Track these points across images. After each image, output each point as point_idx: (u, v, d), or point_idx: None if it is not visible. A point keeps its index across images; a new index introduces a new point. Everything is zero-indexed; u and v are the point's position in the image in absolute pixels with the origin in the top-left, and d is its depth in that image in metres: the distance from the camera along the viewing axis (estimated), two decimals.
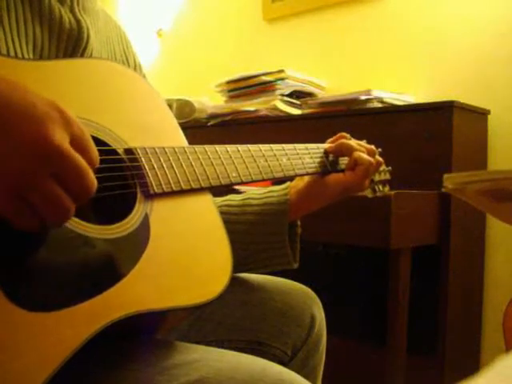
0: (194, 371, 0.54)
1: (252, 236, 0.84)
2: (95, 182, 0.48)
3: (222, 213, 0.71)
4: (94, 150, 0.49)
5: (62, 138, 0.45)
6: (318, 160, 0.86)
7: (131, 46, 0.86)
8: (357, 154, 0.86)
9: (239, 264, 0.81)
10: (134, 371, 0.55)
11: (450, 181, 0.72)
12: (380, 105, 1.70)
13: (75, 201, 0.48)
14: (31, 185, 0.44)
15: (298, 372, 0.61)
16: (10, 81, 0.46)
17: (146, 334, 0.64)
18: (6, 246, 0.47)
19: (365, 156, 0.86)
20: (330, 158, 0.88)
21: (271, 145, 0.81)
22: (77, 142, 0.47)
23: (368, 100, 1.69)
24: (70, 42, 0.68)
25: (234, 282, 0.65)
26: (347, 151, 0.87)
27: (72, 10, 0.70)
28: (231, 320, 0.83)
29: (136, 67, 0.85)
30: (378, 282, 1.64)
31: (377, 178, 0.95)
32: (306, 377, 0.73)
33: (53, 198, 0.46)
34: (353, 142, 0.89)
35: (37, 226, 0.47)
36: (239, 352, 0.61)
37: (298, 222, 0.88)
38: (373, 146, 0.91)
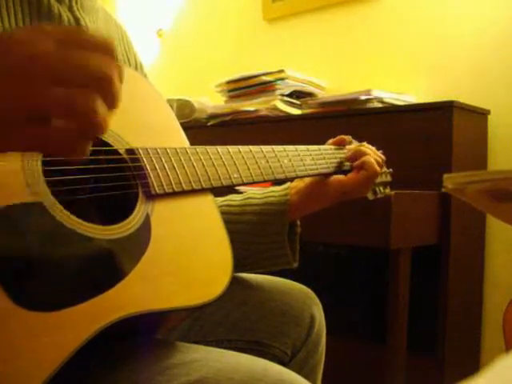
0: (193, 371, 0.54)
1: (252, 236, 0.84)
2: (108, 61, 0.42)
3: (222, 212, 0.71)
4: (90, 34, 0.43)
5: (42, 44, 0.40)
6: (320, 161, 0.86)
7: (132, 45, 0.86)
8: (367, 158, 0.86)
9: (239, 264, 0.81)
10: (134, 371, 0.55)
11: (450, 181, 0.72)
12: (380, 105, 1.70)
13: (94, 91, 0.41)
14: (35, 99, 0.39)
15: (297, 372, 0.61)
16: None
17: (146, 334, 0.64)
18: (7, 246, 0.47)
19: (374, 163, 0.86)
20: (332, 160, 0.88)
21: (273, 146, 0.81)
22: (66, 40, 0.41)
23: (368, 100, 1.69)
24: None
25: (234, 282, 0.65)
26: (360, 154, 0.88)
27: (71, 9, 0.70)
28: (231, 320, 0.83)
29: (137, 66, 0.85)
30: (378, 282, 1.64)
31: (378, 179, 0.95)
32: (306, 377, 0.73)
33: (65, 100, 0.40)
34: (368, 149, 0.89)
35: (72, 144, 0.41)
36: (239, 352, 0.61)
37: (298, 222, 0.88)
38: (381, 155, 0.91)
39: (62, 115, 0.40)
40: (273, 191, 0.87)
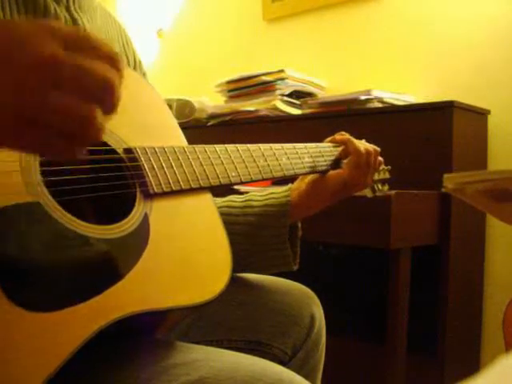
0: (193, 371, 0.54)
1: (253, 237, 0.84)
2: (111, 71, 0.42)
3: (222, 214, 0.71)
4: (99, 42, 0.43)
5: (50, 47, 0.40)
6: (318, 159, 0.86)
7: (131, 42, 0.86)
8: (349, 143, 0.87)
9: (239, 265, 0.81)
10: (134, 371, 0.54)
11: (449, 181, 0.72)
12: (380, 105, 1.70)
13: (94, 100, 0.42)
14: (34, 103, 0.40)
15: (297, 372, 0.61)
16: None
17: (145, 333, 0.64)
18: (5, 246, 0.47)
19: (354, 143, 0.87)
20: (330, 156, 0.88)
21: (271, 144, 0.81)
22: (73, 43, 0.42)
23: (368, 100, 1.69)
24: None
25: (234, 282, 0.65)
26: (344, 143, 0.89)
27: (68, 9, 0.69)
28: (231, 320, 0.83)
29: (136, 64, 0.85)
30: (378, 282, 1.64)
31: (376, 177, 0.96)
32: (306, 376, 0.73)
33: (64, 107, 0.40)
34: (351, 138, 0.90)
35: (67, 147, 0.42)
36: (239, 352, 0.61)
37: (299, 224, 0.88)
38: (372, 146, 0.91)
39: (60, 122, 0.41)
40: (274, 193, 0.86)
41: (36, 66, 0.39)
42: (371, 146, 0.90)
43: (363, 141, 0.96)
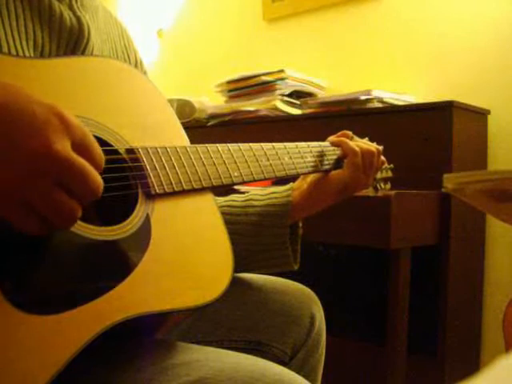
0: (194, 371, 0.54)
1: (253, 237, 0.84)
2: (101, 183, 0.48)
3: (223, 213, 0.71)
4: (98, 151, 0.49)
5: (62, 146, 0.45)
6: (320, 158, 0.86)
7: (132, 42, 0.86)
8: (344, 144, 0.87)
9: (240, 264, 0.81)
10: (134, 371, 0.55)
11: (449, 181, 0.72)
12: (380, 105, 1.70)
13: (81, 203, 0.47)
14: (34, 194, 0.44)
15: (297, 372, 0.61)
16: (7, 85, 0.45)
17: (146, 334, 0.64)
18: (6, 248, 0.47)
19: (347, 143, 0.87)
20: (333, 156, 0.88)
21: (273, 143, 0.80)
22: (79, 146, 0.47)
23: (368, 100, 1.69)
24: (70, 40, 0.68)
25: (234, 282, 0.65)
26: (339, 145, 0.89)
27: (71, 8, 0.69)
28: (231, 320, 0.83)
29: (137, 64, 0.85)
30: (378, 282, 1.64)
31: (378, 175, 0.95)
32: (306, 376, 0.73)
33: (57, 205, 0.45)
34: (347, 139, 0.89)
35: (43, 230, 0.47)
36: (239, 352, 0.61)
37: (300, 224, 0.87)
38: (374, 146, 0.91)
39: (50, 213, 0.46)
40: (275, 192, 0.86)
41: (47, 158, 0.44)
42: (373, 146, 0.90)
43: (366, 139, 0.96)
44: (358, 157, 0.85)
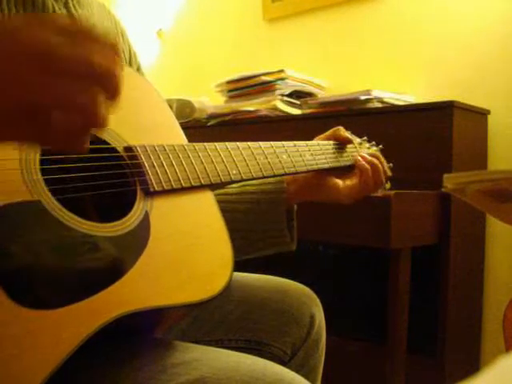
0: (193, 370, 0.54)
1: (250, 224, 0.84)
2: (109, 58, 0.41)
3: (219, 201, 0.71)
4: (93, 29, 0.41)
5: (42, 34, 0.39)
6: (319, 157, 0.86)
7: (126, 34, 0.86)
8: (360, 165, 0.87)
9: (238, 251, 0.81)
10: (134, 370, 0.54)
11: (449, 181, 0.72)
12: (380, 105, 1.70)
13: (95, 86, 0.40)
14: (30, 92, 0.39)
15: (297, 371, 0.61)
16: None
17: (145, 331, 0.64)
18: (6, 245, 0.47)
19: (365, 166, 0.87)
20: (331, 155, 0.88)
21: (271, 142, 0.81)
22: (67, 32, 0.40)
23: (368, 100, 1.69)
24: None
25: (234, 281, 0.65)
26: (365, 167, 0.88)
27: (66, 5, 0.69)
28: (231, 319, 0.83)
29: (131, 56, 0.85)
30: (378, 282, 1.64)
31: None
32: (306, 376, 0.73)
33: (63, 94, 0.39)
34: (376, 162, 0.89)
35: (70, 139, 0.41)
36: (239, 351, 0.61)
37: (295, 206, 0.88)
38: (387, 171, 0.91)
39: (63, 108, 0.39)
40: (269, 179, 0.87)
41: (27, 54, 0.38)
42: (376, 161, 0.90)
43: (364, 138, 0.96)
44: (370, 176, 0.87)
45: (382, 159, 0.93)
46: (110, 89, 0.41)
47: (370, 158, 0.89)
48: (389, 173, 1.00)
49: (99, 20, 0.78)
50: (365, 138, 0.97)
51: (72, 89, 0.39)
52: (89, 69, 0.40)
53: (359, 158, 0.89)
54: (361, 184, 0.87)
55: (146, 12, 2.77)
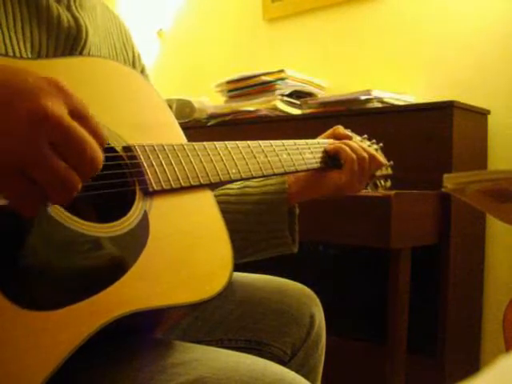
0: (193, 370, 0.54)
1: (251, 225, 0.84)
2: (101, 155, 0.46)
3: (219, 202, 0.71)
4: (95, 121, 0.47)
5: (58, 109, 0.43)
6: (319, 155, 0.86)
7: (130, 35, 0.86)
8: (346, 156, 0.86)
9: (239, 252, 0.81)
10: (133, 370, 0.54)
11: (450, 181, 0.72)
12: (380, 105, 1.70)
13: (81, 174, 0.45)
14: (33, 159, 0.43)
15: (297, 371, 0.61)
16: (4, 65, 0.44)
17: (145, 331, 0.64)
18: (4, 245, 0.47)
19: (348, 154, 0.86)
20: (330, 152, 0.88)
21: (271, 141, 0.81)
22: (77, 114, 0.45)
23: (368, 100, 1.69)
24: (68, 41, 0.68)
25: (234, 281, 0.65)
26: (340, 151, 0.88)
27: (69, 8, 0.69)
28: (231, 319, 0.83)
29: (135, 58, 0.85)
30: (378, 282, 1.64)
31: (378, 172, 0.96)
32: (306, 376, 0.73)
33: (54, 171, 0.43)
34: (347, 146, 0.88)
35: (40, 202, 0.45)
36: (239, 351, 0.61)
37: (296, 204, 0.88)
38: (368, 151, 0.90)
39: (45, 181, 0.44)
40: (270, 179, 0.86)
41: (42, 121, 0.42)
42: (366, 151, 0.89)
43: (364, 136, 0.96)
44: (355, 164, 0.86)
45: (381, 157, 0.93)
46: (86, 179, 0.47)
47: (347, 144, 0.88)
48: (389, 171, 1.00)
49: (103, 23, 0.78)
50: (365, 136, 0.97)
51: (66, 167, 0.44)
52: (86, 157, 0.45)
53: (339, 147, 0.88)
54: (352, 170, 0.86)
55: (146, 12, 2.77)
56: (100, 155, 0.46)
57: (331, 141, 0.91)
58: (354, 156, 0.86)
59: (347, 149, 0.87)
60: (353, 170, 0.85)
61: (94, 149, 0.45)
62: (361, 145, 0.90)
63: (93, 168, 0.46)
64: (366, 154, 0.88)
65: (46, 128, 0.42)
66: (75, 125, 0.44)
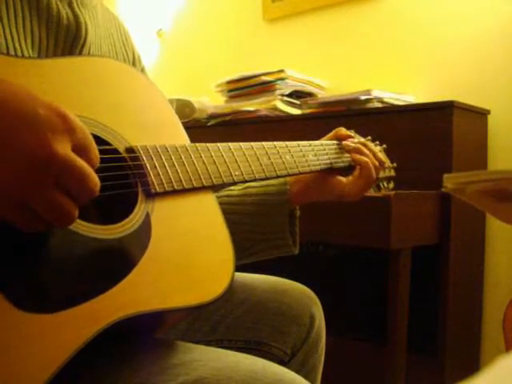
0: (192, 371, 0.53)
1: (252, 226, 0.84)
2: (98, 182, 0.49)
3: (221, 203, 0.71)
4: (96, 151, 0.50)
5: (63, 147, 0.45)
6: (322, 157, 0.86)
7: (130, 37, 0.86)
8: (365, 163, 0.86)
9: (240, 253, 0.81)
10: (133, 370, 0.54)
11: (450, 181, 0.72)
12: (380, 105, 1.70)
13: (79, 203, 0.48)
14: (33, 195, 0.45)
15: (297, 371, 0.61)
16: (10, 84, 0.45)
17: (146, 333, 0.64)
18: (6, 248, 0.47)
19: (371, 170, 0.86)
20: (334, 155, 0.88)
21: (274, 142, 0.80)
22: (79, 146, 0.47)
23: (368, 100, 1.69)
24: (68, 38, 0.68)
25: (234, 281, 0.65)
26: (359, 154, 0.88)
27: (70, 5, 0.69)
28: (231, 319, 0.83)
29: (135, 59, 0.85)
30: (378, 282, 1.64)
31: (381, 174, 0.95)
32: (306, 376, 0.73)
33: (56, 206, 0.46)
34: (368, 151, 0.88)
35: (41, 228, 0.48)
36: (238, 352, 0.61)
37: (297, 206, 0.88)
38: (381, 157, 0.91)
39: (47, 214, 0.46)
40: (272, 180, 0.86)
41: (46, 161, 0.44)
42: (377, 159, 0.89)
43: (368, 138, 0.96)
44: (374, 182, 0.87)
45: (371, 145, 0.92)
46: (85, 202, 0.49)
47: (362, 148, 0.88)
48: (392, 173, 1.00)
49: (103, 23, 0.78)
50: (369, 137, 0.97)
51: (68, 202, 0.47)
52: (86, 191, 0.47)
53: (353, 153, 0.88)
54: (363, 177, 0.86)
55: (146, 12, 2.77)
56: (97, 182, 0.48)
57: (335, 142, 0.91)
58: (371, 166, 0.86)
59: (369, 161, 0.87)
60: (370, 177, 0.86)
61: (93, 179, 0.48)
62: (373, 149, 0.90)
63: (91, 196, 0.48)
64: (379, 162, 0.89)
65: (50, 168, 0.44)
66: (77, 160, 0.46)
